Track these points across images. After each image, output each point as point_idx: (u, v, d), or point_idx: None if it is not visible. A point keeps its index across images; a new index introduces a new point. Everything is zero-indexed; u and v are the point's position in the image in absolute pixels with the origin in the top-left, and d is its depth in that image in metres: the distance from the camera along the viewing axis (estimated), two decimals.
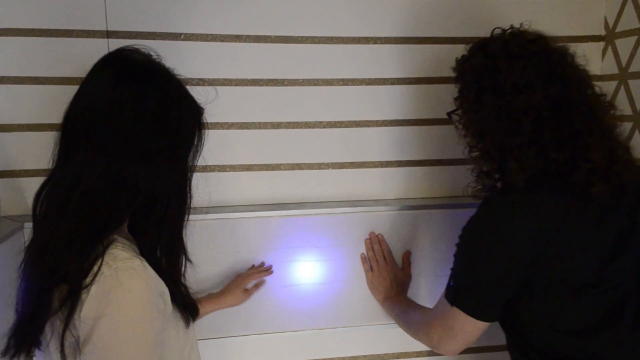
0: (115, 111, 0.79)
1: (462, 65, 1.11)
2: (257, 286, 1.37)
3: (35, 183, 1.28)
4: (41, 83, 1.28)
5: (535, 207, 0.97)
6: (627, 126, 1.41)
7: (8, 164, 1.29)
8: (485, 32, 1.45)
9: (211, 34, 1.34)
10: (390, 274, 1.37)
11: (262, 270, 1.36)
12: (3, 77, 1.26)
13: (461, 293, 1.03)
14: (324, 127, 1.44)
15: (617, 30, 1.46)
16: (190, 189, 0.89)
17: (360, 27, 1.41)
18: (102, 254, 0.76)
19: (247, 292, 1.34)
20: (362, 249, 1.42)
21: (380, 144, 1.48)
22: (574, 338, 0.99)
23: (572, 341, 0.99)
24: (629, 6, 1.41)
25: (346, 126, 1.45)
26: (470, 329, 1.03)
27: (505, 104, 1.00)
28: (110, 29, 1.29)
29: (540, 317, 1.00)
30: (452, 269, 1.06)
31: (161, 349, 0.80)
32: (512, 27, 1.10)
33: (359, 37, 1.42)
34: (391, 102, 1.46)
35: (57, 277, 0.76)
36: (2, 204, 1.29)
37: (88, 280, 0.74)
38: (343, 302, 1.43)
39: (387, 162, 1.49)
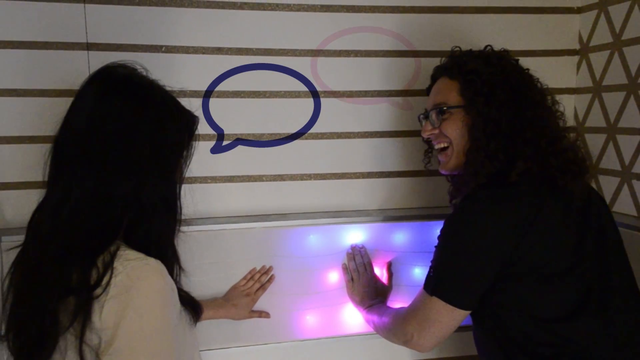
0: (97, 127, 0.80)
1: (486, 70, 1.11)
2: (261, 313, 1.40)
3: (12, 196, 1.28)
4: (20, 95, 1.26)
5: (515, 199, 1.02)
6: (601, 138, 1.45)
7: None
8: (465, 46, 1.48)
9: (192, 47, 1.35)
10: (370, 284, 1.38)
11: (264, 284, 1.39)
12: None
13: (441, 282, 1.05)
14: (306, 138, 1.45)
15: (591, 44, 1.50)
16: (179, 199, 0.89)
17: (342, 40, 1.43)
18: (112, 257, 0.77)
19: (253, 312, 1.38)
20: (344, 259, 1.42)
21: (362, 155, 1.49)
22: (551, 324, 1.02)
23: (549, 328, 1.02)
24: (602, 21, 1.45)
25: (328, 137, 1.47)
26: (447, 319, 1.05)
27: (536, 113, 1.07)
28: (90, 41, 1.28)
29: (519, 305, 1.03)
30: (432, 261, 1.09)
31: (176, 343, 0.81)
32: (503, 49, 1.19)
33: (340, 50, 1.43)
34: (373, 113, 1.48)
35: (59, 291, 0.76)
36: None
37: (104, 281, 0.74)
38: (326, 313, 1.43)
39: (368, 173, 1.50)
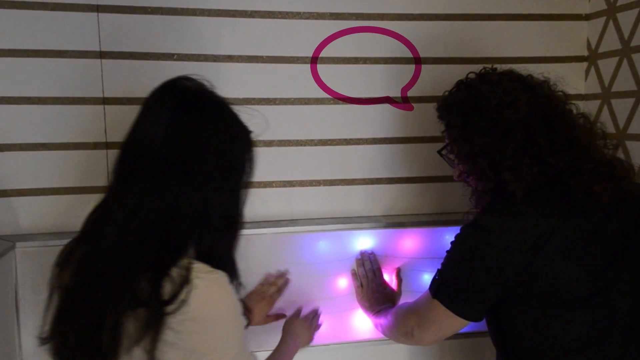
0: (173, 140, 0.81)
1: (446, 102, 1.16)
2: (277, 316, 1.38)
3: (26, 202, 1.30)
4: (34, 103, 1.28)
5: (530, 216, 0.99)
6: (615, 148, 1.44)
7: (0, 183, 1.29)
8: (473, 53, 1.49)
9: (204, 54, 1.36)
10: (379, 290, 1.38)
11: (280, 286, 1.38)
12: None
13: (444, 287, 1.05)
14: (315, 145, 1.46)
15: (600, 51, 1.51)
16: (242, 212, 0.91)
17: (351, 47, 1.44)
18: (188, 271, 0.78)
19: (269, 317, 1.36)
20: (353, 265, 1.43)
21: (370, 161, 1.50)
22: (563, 355, 0.99)
23: (561, 358, 0.99)
24: (611, 28, 1.45)
25: (337, 144, 1.47)
26: (446, 323, 1.06)
27: (492, 121, 1.04)
28: (103, 49, 1.30)
29: (531, 331, 1.01)
30: (441, 264, 1.09)
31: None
32: (484, 67, 1.16)
33: (349, 57, 1.44)
34: (380, 120, 1.49)
35: (127, 304, 0.77)
36: None
37: (182, 296, 0.76)
38: (335, 318, 1.43)
39: (377, 179, 1.51)
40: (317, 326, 1.36)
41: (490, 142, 1.04)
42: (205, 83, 0.89)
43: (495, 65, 1.16)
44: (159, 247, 0.79)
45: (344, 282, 1.43)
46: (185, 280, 0.77)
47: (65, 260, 0.87)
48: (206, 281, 0.78)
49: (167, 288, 0.76)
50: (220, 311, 0.79)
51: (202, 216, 0.82)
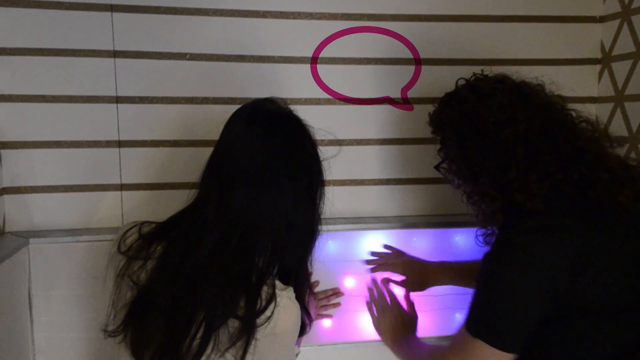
0: (271, 158, 0.90)
1: (438, 117, 1.12)
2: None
3: (41, 199, 1.31)
4: (48, 101, 1.30)
5: (565, 230, 0.94)
6: (623, 148, 1.43)
7: (14, 180, 1.30)
8: (484, 55, 1.49)
9: (216, 54, 1.37)
10: (394, 316, 1.33)
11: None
12: (11, 95, 1.28)
13: (483, 324, 0.98)
14: (326, 145, 1.46)
15: (614, 53, 1.49)
16: (320, 224, 0.99)
17: (361, 48, 1.44)
18: (273, 288, 0.86)
19: None
20: (364, 266, 1.43)
21: (381, 161, 1.50)
22: None
23: None
24: (625, 30, 1.44)
25: (348, 144, 1.48)
26: None
27: (491, 141, 1.00)
28: (117, 48, 1.31)
29: (574, 350, 0.96)
30: (475, 295, 1.01)
31: None
32: (474, 74, 1.12)
33: (360, 58, 1.44)
34: (391, 120, 1.49)
35: (226, 314, 0.83)
36: (8, 219, 1.31)
37: (268, 312, 0.84)
38: (344, 317, 1.43)
39: (387, 179, 1.51)
40: (325, 306, 1.38)
41: (490, 162, 1.00)
42: (286, 106, 0.98)
43: (486, 71, 1.12)
44: (255, 263, 0.86)
45: (352, 282, 1.43)
46: (272, 297, 0.85)
47: (136, 255, 0.89)
48: (285, 299, 0.86)
49: (257, 303, 0.83)
50: (293, 325, 0.88)
51: (290, 225, 0.90)
